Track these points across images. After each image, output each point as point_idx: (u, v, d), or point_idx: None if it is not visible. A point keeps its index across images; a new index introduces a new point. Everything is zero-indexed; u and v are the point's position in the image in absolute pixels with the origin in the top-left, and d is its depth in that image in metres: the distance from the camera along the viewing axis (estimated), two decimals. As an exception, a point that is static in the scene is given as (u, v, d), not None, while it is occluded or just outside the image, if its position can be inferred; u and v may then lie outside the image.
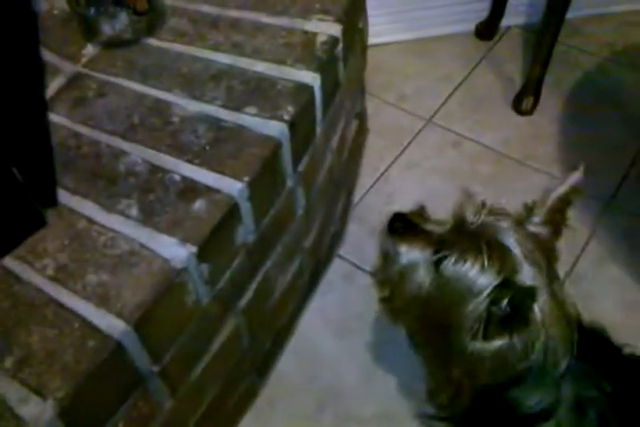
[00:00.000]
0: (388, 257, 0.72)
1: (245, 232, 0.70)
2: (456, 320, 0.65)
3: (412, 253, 0.69)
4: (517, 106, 1.37)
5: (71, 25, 0.81)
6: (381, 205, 1.24)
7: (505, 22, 1.53)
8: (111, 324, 0.55)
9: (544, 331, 0.63)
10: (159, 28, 0.81)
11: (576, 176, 0.71)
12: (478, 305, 0.63)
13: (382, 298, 0.76)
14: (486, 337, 0.64)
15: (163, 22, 0.82)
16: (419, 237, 0.70)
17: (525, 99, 1.36)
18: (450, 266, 0.65)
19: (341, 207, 1.15)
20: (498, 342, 0.64)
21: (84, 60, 0.78)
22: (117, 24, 0.79)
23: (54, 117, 0.72)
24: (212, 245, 0.63)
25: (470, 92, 1.44)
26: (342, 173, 1.09)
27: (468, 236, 0.66)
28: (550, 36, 1.28)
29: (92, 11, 0.78)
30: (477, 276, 0.63)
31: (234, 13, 0.82)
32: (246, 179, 0.66)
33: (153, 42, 0.80)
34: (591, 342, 0.71)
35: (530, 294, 0.62)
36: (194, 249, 0.60)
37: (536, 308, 0.62)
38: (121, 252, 0.60)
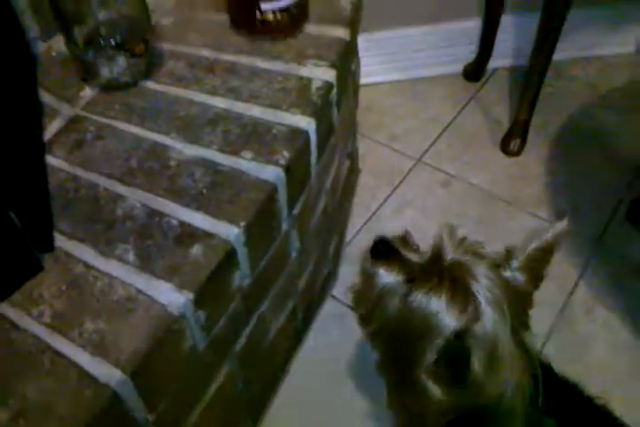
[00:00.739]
0: (367, 277, 0.74)
1: (241, 277, 0.70)
2: (415, 354, 0.65)
3: (388, 277, 0.71)
4: (505, 147, 1.40)
5: (69, 67, 0.82)
6: (373, 245, 1.24)
7: (492, 64, 1.57)
8: (108, 373, 0.54)
9: (494, 382, 0.62)
10: (157, 72, 0.82)
11: (560, 226, 0.72)
12: (434, 346, 0.63)
13: (359, 316, 0.77)
14: (435, 380, 0.64)
15: (160, 66, 0.83)
16: (397, 262, 0.72)
17: (513, 140, 1.38)
18: (417, 298, 0.65)
19: (334, 247, 1.15)
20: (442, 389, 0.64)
21: (82, 102, 0.79)
22: (116, 67, 0.80)
23: (52, 160, 0.72)
24: (209, 290, 0.63)
25: (459, 132, 1.46)
26: (335, 214, 1.09)
27: (438, 271, 0.67)
28: (537, 79, 1.31)
29: (91, 54, 0.79)
30: (439, 315, 0.63)
31: (230, 58, 0.84)
32: (243, 224, 0.66)
33: (151, 85, 0.81)
34: (561, 396, 0.71)
35: (462, 352, 0.62)
36: (191, 295, 0.60)
37: (476, 364, 0.62)
38: (118, 298, 0.60)
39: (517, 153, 1.40)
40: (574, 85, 1.54)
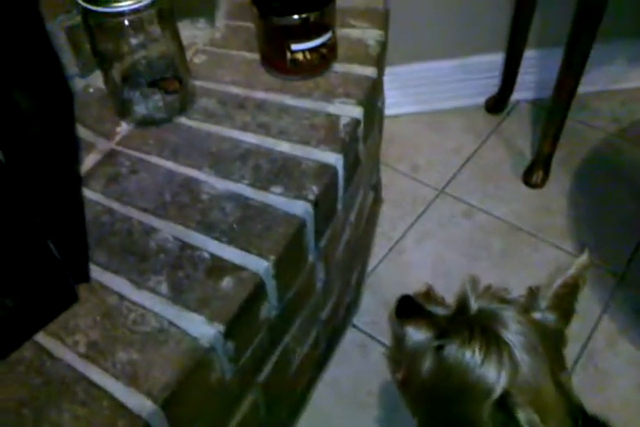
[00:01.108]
0: (397, 339, 0.74)
1: (269, 308, 0.72)
2: (463, 414, 0.64)
3: (417, 335, 0.71)
4: (528, 179, 1.41)
5: (106, 103, 0.85)
6: (395, 276, 1.25)
7: (514, 97, 1.59)
8: (140, 403, 0.56)
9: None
10: (190, 108, 0.85)
11: (582, 260, 0.72)
12: (485, 405, 0.62)
13: (399, 382, 0.77)
14: None
15: (193, 103, 0.86)
16: (424, 319, 0.72)
17: (536, 173, 1.39)
18: (451, 353, 0.65)
19: (356, 277, 1.16)
20: None
21: (117, 137, 0.82)
22: (151, 104, 0.83)
23: (89, 193, 0.75)
24: (239, 322, 0.64)
25: (481, 164, 1.48)
26: (358, 244, 1.11)
27: (467, 322, 0.66)
28: (560, 112, 1.33)
29: (127, 91, 0.83)
30: (478, 370, 0.62)
31: (260, 95, 0.86)
32: (272, 257, 0.68)
33: (184, 121, 0.84)
34: None
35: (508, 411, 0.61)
36: (221, 328, 0.62)
37: (522, 418, 0.60)
38: (150, 329, 0.62)
39: (540, 185, 1.41)
40: (597, 118, 1.56)
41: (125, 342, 0.61)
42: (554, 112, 1.33)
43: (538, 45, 1.52)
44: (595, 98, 1.60)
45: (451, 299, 0.73)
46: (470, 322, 0.66)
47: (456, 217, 1.37)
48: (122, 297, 0.65)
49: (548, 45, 1.52)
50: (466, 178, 1.45)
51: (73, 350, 0.60)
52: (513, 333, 0.64)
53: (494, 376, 0.62)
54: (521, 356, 0.62)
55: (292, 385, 0.96)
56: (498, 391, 0.61)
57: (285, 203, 0.73)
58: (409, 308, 0.73)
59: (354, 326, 1.18)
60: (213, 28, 0.96)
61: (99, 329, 0.62)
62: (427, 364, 0.68)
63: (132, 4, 0.70)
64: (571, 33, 1.20)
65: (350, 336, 1.17)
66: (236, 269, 0.67)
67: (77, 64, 0.88)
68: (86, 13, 0.72)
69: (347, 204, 0.90)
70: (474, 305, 0.67)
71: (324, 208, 0.78)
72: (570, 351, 1.10)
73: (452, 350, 0.64)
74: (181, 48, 0.82)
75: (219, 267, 0.67)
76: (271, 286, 0.69)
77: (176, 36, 0.80)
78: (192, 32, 0.95)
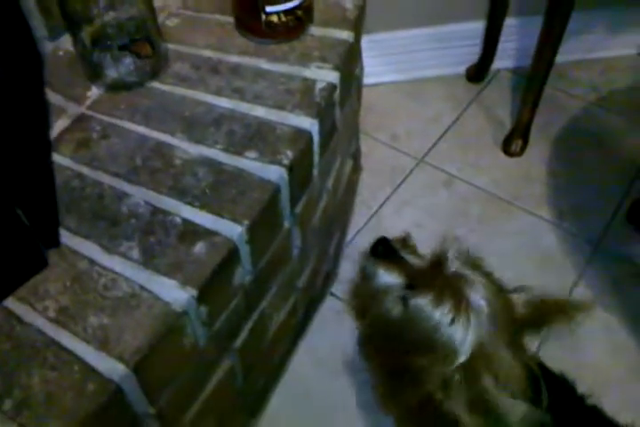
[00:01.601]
0: (365, 276, 0.75)
1: (243, 274, 0.71)
2: (421, 366, 0.66)
3: (387, 278, 0.72)
4: (507, 148, 1.41)
5: (76, 67, 0.83)
6: (374, 244, 1.25)
7: (495, 65, 1.58)
8: (111, 367, 0.56)
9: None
10: (163, 73, 0.83)
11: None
12: (448, 364, 0.64)
13: (354, 310, 0.78)
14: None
15: (166, 67, 0.84)
16: (396, 264, 0.73)
17: (514, 141, 1.39)
18: (419, 305, 0.66)
19: (335, 246, 1.16)
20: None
21: (88, 102, 0.80)
22: (122, 67, 0.81)
23: (58, 158, 0.74)
24: (212, 287, 0.64)
25: (461, 133, 1.47)
26: (336, 212, 1.11)
27: (441, 281, 0.67)
28: (539, 81, 1.32)
29: (97, 54, 0.80)
30: (447, 328, 0.64)
31: (235, 59, 0.85)
32: (246, 222, 0.67)
33: (156, 85, 0.82)
34: (557, 393, 0.72)
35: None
36: (194, 292, 0.61)
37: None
38: (122, 294, 0.61)
39: (519, 154, 1.41)
40: (576, 87, 1.55)
41: (96, 306, 0.60)
42: (533, 80, 1.33)
43: (518, 13, 1.50)
44: (574, 66, 1.59)
45: (426, 251, 0.74)
46: (444, 281, 0.67)
47: (435, 186, 1.37)
48: (92, 262, 0.64)
49: (528, 13, 1.50)
50: (445, 147, 1.45)
51: (43, 315, 0.59)
52: (481, 299, 0.65)
53: (461, 338, 0.63)
54: (485, 322, 0.64)
55: (269, 352, 0.96)
56: (464, 353, 0.63)
57: (260, 168, 0.72)
58: (384, 250, 0.74)
59: (332, 295, 1.18)
60: (186, -10, 0.94)
61: (69, 294, 0.61)
62: (392, 309, 0.69)
63: (98, -38, 0.68)
64: (549, 1, 1.19)
65: (328, 304, 1.17)
66: (208, 234, 0.66)
67: (46, 26, 0.85)
68: (52, -28, 0.70)
69: (323, 170, 0.89)
70: (452, 266, 0.68)
71: (300, 174, 0.77)
72: (545, 318, 1.13)
73: (421, 303, 0.65)
74: (153, 10, 0.80)
75: (191, 232, 0.67)
76: (245, 251, 0.69)
77: (147, -3, 0.78)
78: (164, -6, 0.92)
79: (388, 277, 0.72)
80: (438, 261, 0.69)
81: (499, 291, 0.69)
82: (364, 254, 0.76)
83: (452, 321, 0.63)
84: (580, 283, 1.19)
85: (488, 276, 0.70)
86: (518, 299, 0.71)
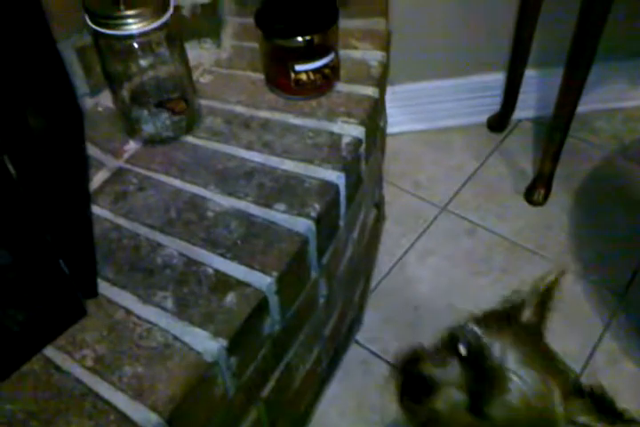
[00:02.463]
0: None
1: (272, 324, 0.73)
2: None
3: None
4: (529, 197, 1.42)
5: (115, 122, 0.88)
6: (398, 292, 1.27)
7: (516, 115, 1.61)
8: (145, 417, 0.57)
9: None
10: (196, 127, 0.87)
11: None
12: None
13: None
14: None
15: (200, 122, 0.88)
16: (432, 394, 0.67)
17: (537, 190, 1.41)
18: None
19: (359, 293, 1.17)
20: None
21: (126, 155, 0.84)
22: (158, 123, 0.85)
23: (97, 210, 0.77)
24: (242, 338, 0.66)
25: (483, 181, 1.49)
26: (361, 261, 1.12)
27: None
28: (561, 131, 1.34)
29: (136, 110, 0.85)
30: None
31: (265, 114, 0.88)
32: (275, 273, 0.69)
33: (190, 140, 0.86)
34: None
35: None
36: (225, 343, 0.63)
37: None
38: (156, 344, 0.63)
39: (542, 203, 1.42)
40: (598, 137, 1.57)
41: (131, 356, 0.62)
42: (554, 130, 1.35)
43: (538, 65, 1.54)
44: (596, 116, 1.62)
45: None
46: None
47: (458, 234, 1.38)
48: (129, 312, 0.66)
49: (548, 65, 1.54)
50: (468, 195, 1.47)
51: (81, 364, 0.61)
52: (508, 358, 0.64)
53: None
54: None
55: (295, 401, 0.97)
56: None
57: (288, 220, 0.75)
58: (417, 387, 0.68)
59: (357, 343, 1.19)
60: (220, 48, 0.99)
61: (106, 343, 0.63)
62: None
63: (141, 28, 0.72)
64: (570, 53, 1.22)
65: (353, 353, 1.18)
66: (239, 284, 0.68)
67: (87, 83, 0.90)
68: (97, 36, 0.75)
69: (349, 221, 0.91)
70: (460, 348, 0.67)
71: (327, 225, 0.80)
72: (571, 369, 1.12)
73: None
74: (188, 68, 0.84)
75: (223, 283, 0.69)
76: (274, 301, 0.71)
77: (183, 57, 0.82)
78: (199, 52, 0.97)
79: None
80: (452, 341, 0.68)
81: (516, 330, 0.68)
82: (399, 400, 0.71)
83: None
84: (606, 335, 1.18)
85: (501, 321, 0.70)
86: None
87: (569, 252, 1.33)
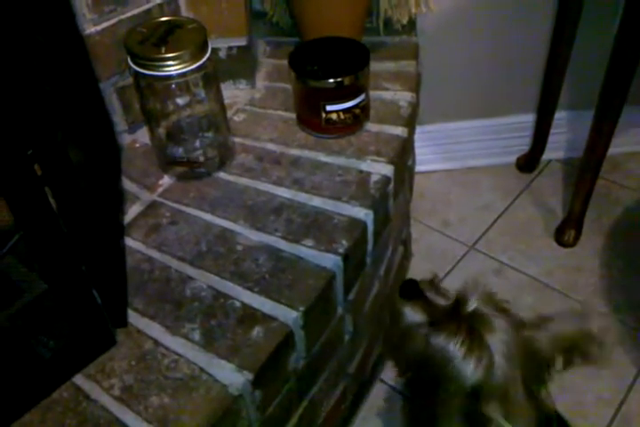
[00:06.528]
0: (395, 317, 0.79)
1: (297, 358, 0.74)
2: (440, 401, 0.69)
3: (413, 317, 0.76)
4: (559, 238, 1.41)
5: (151, 157, 0.91)
6: (424, 330, 1.26)
7: (546, 156, 1.61)
8: (170, 447, 0.58)
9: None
10: (229, 164, 0.90)
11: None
12: (456, 397, 0.67)
13: (392, 360, 0.82)
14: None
15: (232, 158, 0.90)
16: (421, 304, 0.76)
17: (567, 231, 1.40)
18: (437, 342, 0.70)
19: (385, 331, 1.17)
20: None
21: (160, 189, 0.87)
22: (193, 159, 0.88)
23: (130, 242, 0.79)
24: (267, 371, 0.66)
25: (512, 221, 1.49)
26: (387, 298, 1.12)
27: (458, 318, 0.71)
28: (591, 173, 1.34)
29: (171, 147, 0.88)
30: (458, 363, 0.68)
31: (295, 152, 0.91)
32: (301, 308, 0.70)
33: (223, 175, 0.88)
34: None
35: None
36: (250, 376, 0.64)
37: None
38: (182, 375, 0.64)
39: (572, 244, 1.41)
40: (629, 179, 1.57)
41: (158, 386, 0.63)
42: (585, 172, 1.35)
43: (569, 106, 1.55)
44: (627, 158, 1.61)
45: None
46: (460, 319, 0.70)
47: (486, 274, 1.37)
48: (157, 343, 0.67)
49: (579, 107, 1.55)
50: (496, 235, 1.46)
51: (108, 393, 0.62)
52: (497, 339, 0.68)
53: (470, 371, 0.67)
54: (498, 360, 0.67)
55: (318, 438, 0.96)
56: (470, 384, 0.66)
57: (316, 256, 0.76)
58: (411, 291, 0.78)
59: (381, 381, 1.18)
60: (253, 88, 1.02)
61: (134, 373, 0.64)
62: (415, 345, 0.73)
63: (179, 69, 0.76)
64: (601, 96, 1.23)
65: (378, 391, 1.17)
66: (266, 318, 0.69)
67: (126, 121, 0.94)
68: (137, 76, 0.78)
69: (376, 258, 0.92)
70: (470, 306, 0.71)
71: (354, 262, 0.80)
72: (603, 415, 1.10)
73: (439, 339, 0.70)
74: (223, 108, 0.88)
75: (250, 316, 0.70)
76: (300, 336, 0.71)
77: (219, 97, 0.85)
78: (233, 92, 1.00)
79: (413, 317, 0.76)
80: (459, 301, 0.73)
81: (518, 328, 0.71)
82: (395, 295, 0.79)
83: (464, 356, 0.67)
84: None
85: (508, 315, 0.73)
86: (539, 335, 0.72)
87: (599, 294, 1.31)
